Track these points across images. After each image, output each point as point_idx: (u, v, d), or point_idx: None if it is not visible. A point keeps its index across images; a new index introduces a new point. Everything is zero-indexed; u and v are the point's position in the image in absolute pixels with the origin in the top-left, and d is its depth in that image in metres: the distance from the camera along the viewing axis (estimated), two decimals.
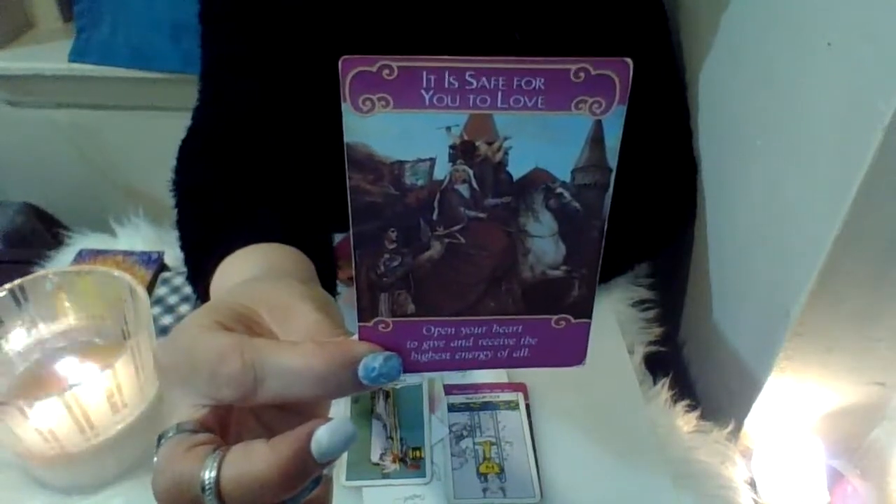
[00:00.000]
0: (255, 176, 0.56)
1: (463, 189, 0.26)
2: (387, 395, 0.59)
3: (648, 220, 0.73)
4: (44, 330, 0.57)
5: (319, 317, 0.30)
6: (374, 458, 0.55)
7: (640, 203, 0.71)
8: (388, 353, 0.28)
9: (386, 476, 0.53)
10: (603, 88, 0.24)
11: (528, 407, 0.59)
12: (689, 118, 0.75)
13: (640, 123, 0.69)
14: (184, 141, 0.63)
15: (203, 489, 0.26)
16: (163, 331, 0.61)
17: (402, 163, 0.25)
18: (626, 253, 0.74)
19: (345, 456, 0.55)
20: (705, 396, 0.69)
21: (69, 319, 0.58)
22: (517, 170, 0.26)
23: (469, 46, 0.68)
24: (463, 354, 0.29)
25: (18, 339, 0.56)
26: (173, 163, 0.62)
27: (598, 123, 0.25)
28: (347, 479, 0.53)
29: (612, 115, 0.25)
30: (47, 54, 1.26)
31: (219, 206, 0.53)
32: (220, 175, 0.57)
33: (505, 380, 0.62)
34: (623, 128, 0.25)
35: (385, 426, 0.57)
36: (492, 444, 0.56)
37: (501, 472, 0.54)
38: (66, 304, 0.57)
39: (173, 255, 0.74)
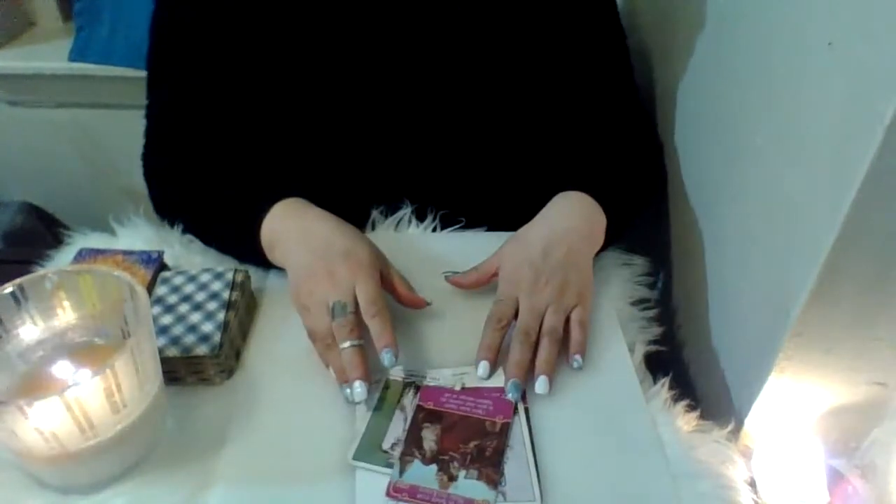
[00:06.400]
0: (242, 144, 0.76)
1: None
2: (417, 388, 0.60)
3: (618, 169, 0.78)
4: (44, 330, 0.57)
5: (404, 287, 0.65)
6: (386, 445, 0.55)
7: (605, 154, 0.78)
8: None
9: (390, 465, 0.54)
10: None
11: (527, 410, 0.59)
12: (632, 73, 0.83)
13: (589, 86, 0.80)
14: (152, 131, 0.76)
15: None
16: (163, 330, 0.60)
17: None
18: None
19: (359, 435, 0.56)
20: (705, 396, 0.69)
21: (69, 319, 0.58)
22: None
23: (410, 16, 0.70)
24: None
25: (18, 338, 0.56)
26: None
27: None
28: (354, 457, 0.54)
29: None
30: (47, 54, 1.26)
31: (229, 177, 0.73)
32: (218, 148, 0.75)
33: None
34: None
35: (405, 419, 0.58)
36: None
37: (501, 475, 0.54)
38: (66, 303, 0.57)
39: (173, 255, 0.74)
